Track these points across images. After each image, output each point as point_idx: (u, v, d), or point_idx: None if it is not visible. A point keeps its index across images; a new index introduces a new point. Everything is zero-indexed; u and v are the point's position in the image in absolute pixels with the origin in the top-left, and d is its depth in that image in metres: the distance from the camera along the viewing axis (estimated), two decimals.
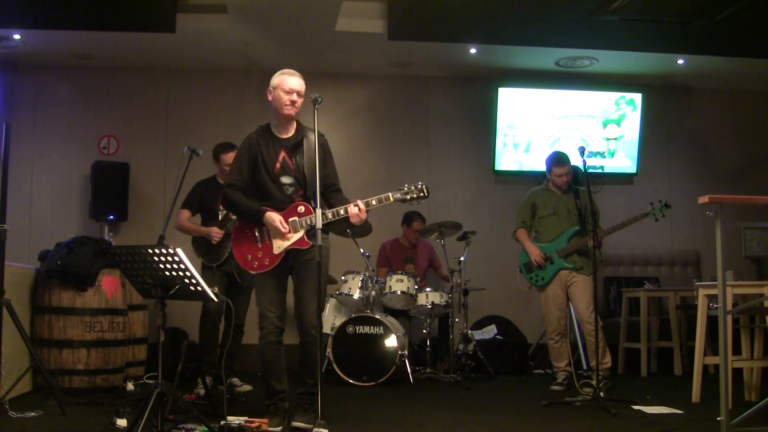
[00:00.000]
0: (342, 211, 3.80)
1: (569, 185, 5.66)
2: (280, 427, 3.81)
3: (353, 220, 3.80)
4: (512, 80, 7.66)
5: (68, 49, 6.92)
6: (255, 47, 6.97)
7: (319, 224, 3.67)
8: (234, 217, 5.30)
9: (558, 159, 5.69)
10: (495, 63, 7.43)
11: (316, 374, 3.85)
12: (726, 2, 5.44)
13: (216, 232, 5.30)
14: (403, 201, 3.87)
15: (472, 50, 6.99)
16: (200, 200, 5.45)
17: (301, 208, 3.86)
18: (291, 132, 3.97)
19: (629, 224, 5.48)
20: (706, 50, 6.74)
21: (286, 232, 3.81)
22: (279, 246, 3.86)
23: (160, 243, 4.39)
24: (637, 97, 7.76)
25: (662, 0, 5.51)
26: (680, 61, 7.25)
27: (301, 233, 3.83)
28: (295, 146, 3.93)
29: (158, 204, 7.18)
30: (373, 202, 3.81)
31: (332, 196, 4.01)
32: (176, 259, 3.34)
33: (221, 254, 5.28)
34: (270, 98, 3.94)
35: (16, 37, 6.48)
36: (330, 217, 3.81)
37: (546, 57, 7.16)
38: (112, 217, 6.92)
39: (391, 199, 3.82)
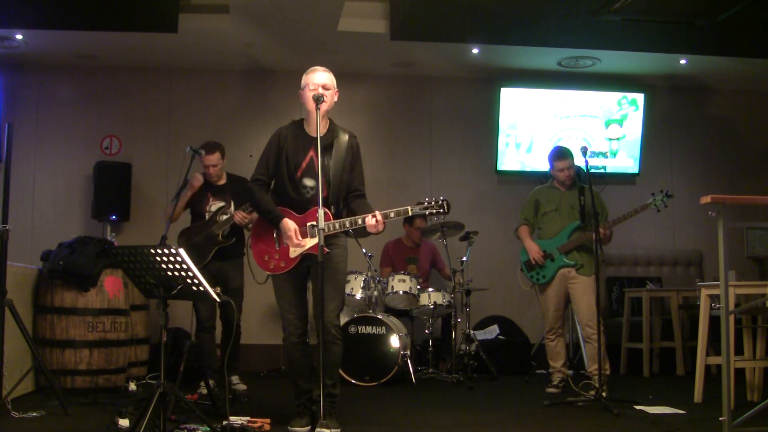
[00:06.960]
0: (360, 221, 3.76)
1: (573, 181, 5.54)
2: (308, 427, 3.77)
3: (370, 230, 3.75)
4: (514, 80, 7.65)
5: (70, 49, 6.92)
6: (257, 47, 6.98)
7: (322, 224, 3.60)
8: (223, 218, 5.26)
9: (559, 153, 5.57)
10: (497, 63, 7.42)
11: (335, 375, 3.83)
12: (728, 2, 5.43)
13: (198, 180, 5.26)
14: (422, 216, 3.83)
15: (475, 50, 6.99)
16: (191, 198, 5.33)
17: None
18: (323, 131, 3.81)
19: (630, 216, 5.36)
20: (709, 50, 6.73)
21: (297, 244, 3.77)
22: (295, 250, 3.82)
23: (163, 243, 4.39)
24: (640, 97, 7.75)
25: (664, 0, 5.50)
26: (683, 61, 7.24)
27: (317, 239, 3.72)
28: (326, 147, 3.83)
29: (161, 204, 7.17)
30: (392, 215, 3.75)
31: (353, 200, 3.94)
32: (178, 259, 3.34)
33: (204, 257, 5.19)
34: (302, 100, 3.87)
35: (19, 37, 6.49)
36: (348, 225, 3.77)
37: (548, 57, 7.16)
38: (114, 217, 6.92)
39: (410, 213, 3.76)
